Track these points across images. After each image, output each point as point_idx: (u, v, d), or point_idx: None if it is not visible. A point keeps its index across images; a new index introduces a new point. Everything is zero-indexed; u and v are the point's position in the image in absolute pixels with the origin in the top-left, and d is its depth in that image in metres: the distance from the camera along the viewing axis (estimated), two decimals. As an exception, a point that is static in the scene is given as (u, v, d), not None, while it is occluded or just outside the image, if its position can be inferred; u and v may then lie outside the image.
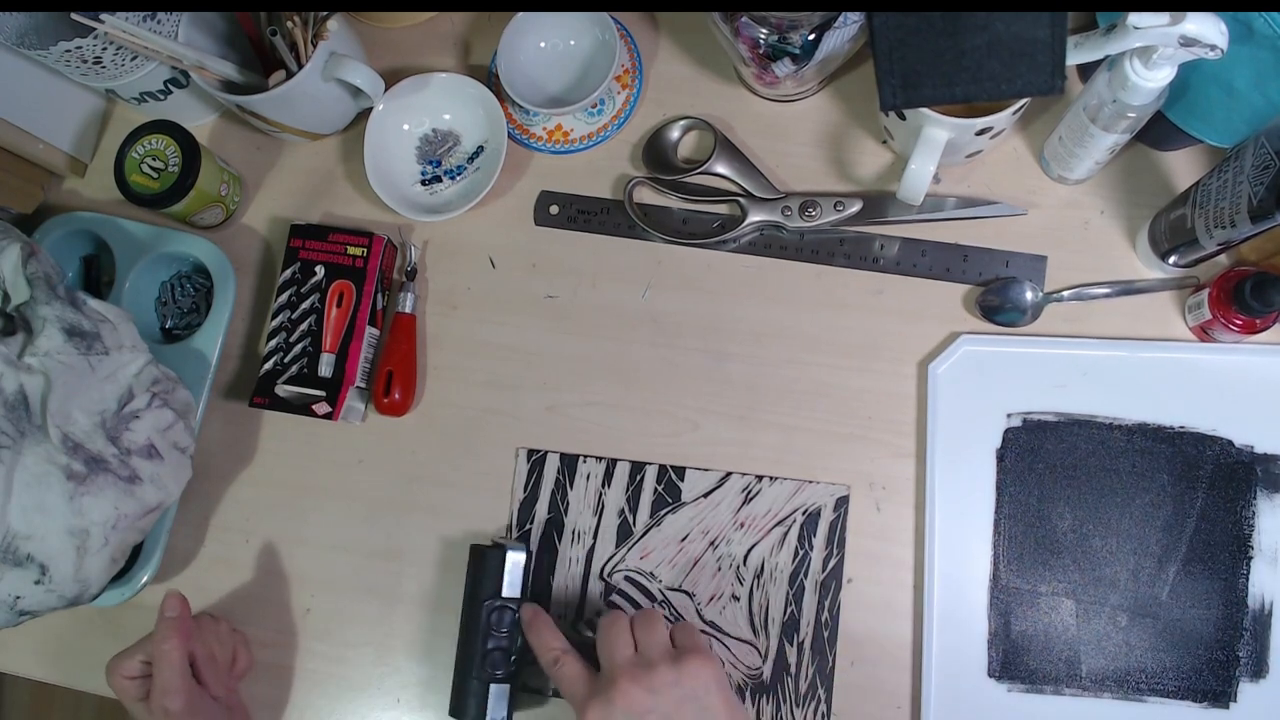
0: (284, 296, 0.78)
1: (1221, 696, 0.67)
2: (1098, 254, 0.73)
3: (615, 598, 0.73)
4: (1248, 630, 0.67)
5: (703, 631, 0.71)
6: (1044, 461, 0.70)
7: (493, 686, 0.67)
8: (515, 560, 0.69)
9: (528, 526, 0.74)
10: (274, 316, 0.77)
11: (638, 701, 0.58)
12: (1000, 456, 0.71)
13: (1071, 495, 0.70)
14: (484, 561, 0.69)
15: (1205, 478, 0.69)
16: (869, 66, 0.72)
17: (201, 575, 0.77)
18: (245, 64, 0.78)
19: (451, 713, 0.69)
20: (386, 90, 0.78)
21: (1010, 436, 0.71)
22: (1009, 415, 0.71)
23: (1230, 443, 0.69)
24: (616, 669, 0.60)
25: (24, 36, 0.72)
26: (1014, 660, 0.68)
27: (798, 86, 0.75)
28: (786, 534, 0.72)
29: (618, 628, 0.62)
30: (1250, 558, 0.67)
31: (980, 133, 0.66)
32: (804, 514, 0.72)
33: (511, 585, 0.69)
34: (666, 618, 0.70)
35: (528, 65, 0.79)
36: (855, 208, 0.75)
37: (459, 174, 0.81)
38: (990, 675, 0.68)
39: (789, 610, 0.71)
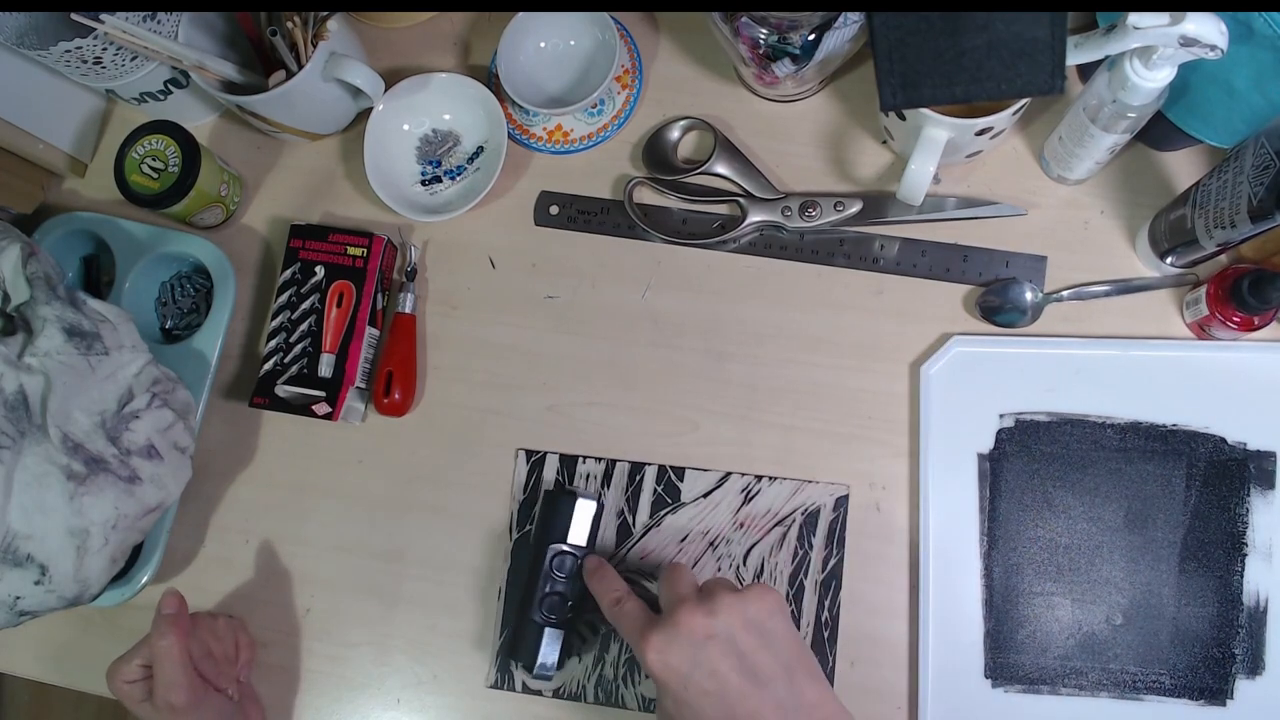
0: (284, 297, 0.78)
1: (1218, 694, 0.67)
2: (1098, 254, 0.73)
3: (615, 597, 0.73)
4: (1243, 627, 0.67)
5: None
6: (1037, 461, 0.70)
7: (548, 630, 0.68)
8: (585, 509, 0.70)
9: (528, 527, 0.74)
10: (274, 317, 0.77)
11: (700, 626, 0.56)
12: (993, 457, 0.71)
13: (1064, 494, 0.70)
14: (555, 506, 0.70)
15: (1199, 475, 0.69)
16: (869, 66, 0.72)
17: (201, 575, 0.77)
18: (245, 64, 0.78)
19: (507, 652, 0.70)
20: (386, 90, 0.78)
21: (1003, 437, 0.71)
22: (1001, 416, 0.71)
23: (1223, 440, 0.69)
24: (679, 600, 0.58)
25: (24, 36, 0.72)
26: (1010, 660, 0.68)
27: (798, 87, 0.75)
28: (786, 534, 0.72)
29: (681, 570, 0.61)
30: (1245, 555, 0.68)
31: (980, 133, 0.66)
32: (803, 514, 0.72)
33: (578, 533, 0.70)
34: None
35: (528, 65, 0.80)
36: (855, 208, 0.75)
37: (459, 174, 0.81)
38: (986, 675, 0.68)
39: (789, 610, 0.71)
